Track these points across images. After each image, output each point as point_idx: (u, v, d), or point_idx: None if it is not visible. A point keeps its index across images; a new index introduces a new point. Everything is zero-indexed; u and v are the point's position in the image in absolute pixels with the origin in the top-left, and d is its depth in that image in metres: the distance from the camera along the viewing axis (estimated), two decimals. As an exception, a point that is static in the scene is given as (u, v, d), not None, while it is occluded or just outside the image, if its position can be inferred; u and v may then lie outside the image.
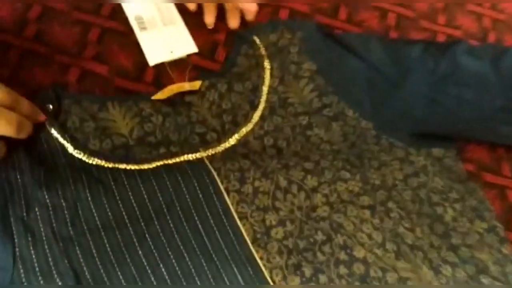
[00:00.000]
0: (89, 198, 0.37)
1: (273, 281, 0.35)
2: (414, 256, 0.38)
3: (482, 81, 0.45)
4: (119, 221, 0.36)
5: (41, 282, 0.33)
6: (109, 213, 0.36)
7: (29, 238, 0.34)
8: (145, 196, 0.38)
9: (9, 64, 0.45)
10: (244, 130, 0.43)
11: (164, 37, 0.49)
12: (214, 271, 0.35)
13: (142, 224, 0.36)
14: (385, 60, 0.47)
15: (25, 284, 0.33)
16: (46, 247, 0.34)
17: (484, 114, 0.45)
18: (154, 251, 0.35)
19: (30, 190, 0.36)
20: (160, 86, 0.44)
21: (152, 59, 0.47)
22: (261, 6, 0.50)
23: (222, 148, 0.42)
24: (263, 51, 0.47)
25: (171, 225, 0.36)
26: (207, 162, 0.40)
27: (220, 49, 0.50)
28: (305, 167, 0.41)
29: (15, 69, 0.44)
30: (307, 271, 0.36)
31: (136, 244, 0.35)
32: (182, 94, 0.44)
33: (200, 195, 0.38)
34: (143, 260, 0.35)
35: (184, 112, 0.43)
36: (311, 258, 0.36)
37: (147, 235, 0.36)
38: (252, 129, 0.43)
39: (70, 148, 0.39)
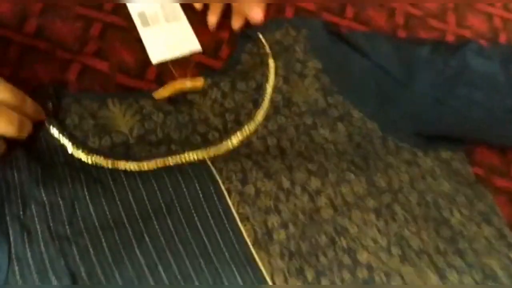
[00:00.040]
0: (87, 197, 0.36)
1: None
2: (420, 260, 0.37)
3: (492, 82, 0.44)
4: (117, 221, 0.36)
5: (37, 282, 0.33)
6: (107, 213, 0.36)
7: (25, 237, 0.34)
8: (145, 196, 0.37)
9: (10, 60, 0.44)
10: (247, 130, 0.42)
11: (167, 34, 0.48)
12: (214, 273, 0.34)
13: (141, 224, 0.36)
14: (392, 59, 0.46)
15: (21, 284, 0.32)
16: (42, 246, 0.34)
17: (494, 115, 0.44)
18: (152, 251, 0.35)
19: (27, 188, 0.36)
20: (162, 84, 0.44)
21: (155, 56, 0.47)
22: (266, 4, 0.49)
23: (224, 148, 0.41)
24: (267, 49, 0.46)
25: (171, 225, 0.36)
26: (208, 161, 0.39)
27: (224, 47, 0.49)
28: (308, 168, 0.40)
29: (15, 65, 0.44)
30: (310, 275, 0.35)
31: (135, 244, 0.35)
32: (184, 92, 0.43)
33: (201, 196, 0.37)
34: (141, 261, 0.34)
35: (185, 111, 0.42)
36: (314, 262, 0.36)
37: (145, 236, 0.35)
38: (255, 129, 0.42)
39: (69, 148, 0.39)
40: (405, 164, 0.43)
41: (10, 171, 0.36)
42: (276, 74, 0.45)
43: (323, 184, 0.39)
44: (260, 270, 0.35)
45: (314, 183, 0.39)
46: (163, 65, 0.46)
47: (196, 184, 0.38)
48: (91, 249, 0.34)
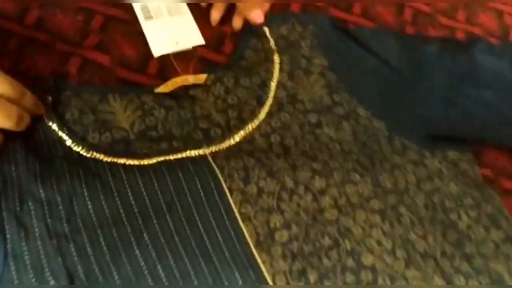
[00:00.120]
0: (85, 193, 0.35)
1: (276, 287, 0.34)
2: (425, 264, 0.37)
3: (502, 81, 0.44)
4: (116, 218, 0.35)
5: (33, 280, 0.32)
6: (106, 210, 0.35)
7: (22, 234, 0.33)
8: (144, 193, 0.36)
9: (9, 52, 0.44)
10: (250, 127, 0.41)
11: (170, 28, 0.47)
12: (214, 273, 0.34)
13: (140, 222, 0.35)
14: (400, 57, 0.46)
15: (16, 282, 0.32)
16: (39, 243, 0.33)
17: (504, 115, 0.43)
18: (152, 250, 0.34)
19: (25, 183, 0.35)
20: (164, 79, 0.43)
21: (157, 50, 0.46)
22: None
23: (227, 145, 0.40)
24: (273, 44, 0.46)
25: (170, 224, 0.35)
26: (210, 159, 0.39)
27: (228, 42, 0.49)
28: (313, 168, 0.39)
29: (15, 57, 0.43)
30: (312, 277, 0.34)
31: (133, 243, 0.34)
32: (186, 87, 0.43)
33: (202, 194, 0.37)
34: (140, 260, 0.34)
35: (188, 106, 0.42)
36: (317, 264, 0.35)
37: (145, 234, 0.35)
38: (259, 126, 0.42)
39: (68, 141, 0.38)
40: (412, 164, 0.42)
41: (8, 165, 0.36)
42: (281, 69, 0.44)
43: (327, 184, 0.38)
44: (262, 271, 0.34)
45: (318, 183, 0.38)
46: (165, 60, 0.46)
47: (197, 181, 0.37)
48: (89, 248, 0.33)
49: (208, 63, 0.46)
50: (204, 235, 0.35)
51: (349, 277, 0.35)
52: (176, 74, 0.44)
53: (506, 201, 0.42)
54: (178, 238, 0.35)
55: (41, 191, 0.35)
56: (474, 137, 0.45)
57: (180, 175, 0.37)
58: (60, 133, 0.38)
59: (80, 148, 0.38)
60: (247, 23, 0.48)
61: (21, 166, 0.36)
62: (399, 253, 0.36)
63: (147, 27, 0.47)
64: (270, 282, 0.34)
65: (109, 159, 0.38)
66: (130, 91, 0.41)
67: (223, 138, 0.40)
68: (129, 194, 0.36)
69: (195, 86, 0.43)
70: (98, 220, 0.35)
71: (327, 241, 0.36)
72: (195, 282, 0.33)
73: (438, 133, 0.44)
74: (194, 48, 0.47)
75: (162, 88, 0.42)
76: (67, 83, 0.42)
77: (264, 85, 0.44)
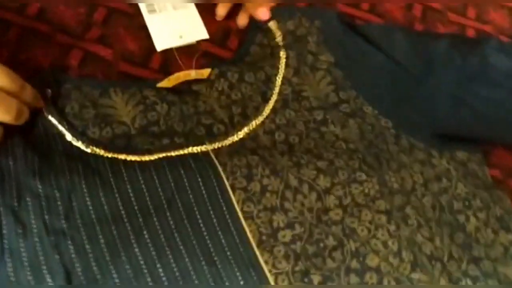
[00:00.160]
0: (85, 190, 0.35)
1: (278, 289, 0.33)
2: (432, 267, 0.36)
3: None
4: (115, 215, 0.34)
5: (30, 277, 0.32)
6: (105, 206, 0.35)
7: (19, 230, 0.33)
8: (145, 190, 0.36)
9: (8, 42, 0.43)
10: (253, 124, 0.41)
11: (173, 21, 0.47)
12: (215, 273, 0.33)
13: (140, 219, 0.35)
14: (408, 54, 0.45)
15: (13, 279, 0.31)
16: (36, 240, 0.33)
17: None
18: (151, 249, 0.33)
19: (23, 179, 0.34)
20: (167, 73, 0.43)
21: (160, 43, 0.45)
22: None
23: (230, 142, 0.40)
24: (279, 39, 0.45)
25: (171, 221, 0.35)
26: (212, 156, 0.38)
27: (233, 37, 0.48)
28: (317, 166, 0.38)
29: (14, 48, 0.43)
30: (315, 279, 0.34)
31: (133, 240, 0.34)
32: (189, 82, 0.42)
33: (203, 191, 0.36)
34: (140, 258, 0.33)
35: (190, 102, 0.41)
36: (320, 265, 0.34)
37: (144, 232, 0.34)
38: (263, 123, 0.41)
39: (68, 136, 0.38)
40: (419, 164, 0.41)
41: (6, 160, 0.35)
42: (287, 65, 0.44)
43: (332, 183, 0.38)
44: (264, 272, 0.34)
45: (323, 182, 0.38)
46: (168, 54, 0.45)
47: (199, 178, 0.36)
48: (87, 245, 0.33)
49: (212, 58, 0.46)
50: (205, 234, 0.34)
51: (354, 279, 0.34)
52: (179, 68, 0.44)
53: (516, 203, 0.42)
54: (178, 236, 0.34)
55: (39, 186, 0.34)
56: (483, 136, 0.45)
57: (182, 171, 0.37)
58: (60, 127, 0.38)
59: (80, 143, 0.37)
60: (253, 19, 0.48)
61: (19, 161, 0.35)
62: (405, 255, 0.36)
63: (150, 20, 0.46)
64: (272, 283, 0.33)
65: (109, 155, 0.37)
66: (132, 86, 0.41)
67: (226, 134, 0.40)
68: (129, 190, 0.36)
69: (198, 81, 0.42)
70: (97, 217, 0.34)
71: (331, 241, 0.36)
72: (195, 282, 0.33)
73: (446, 132, 0.44)
74: (198, 42, 0.47)
75: (164, 83, 0.42)
76: (67, 76, 0.42)
77: (269, 81, 0.43)
